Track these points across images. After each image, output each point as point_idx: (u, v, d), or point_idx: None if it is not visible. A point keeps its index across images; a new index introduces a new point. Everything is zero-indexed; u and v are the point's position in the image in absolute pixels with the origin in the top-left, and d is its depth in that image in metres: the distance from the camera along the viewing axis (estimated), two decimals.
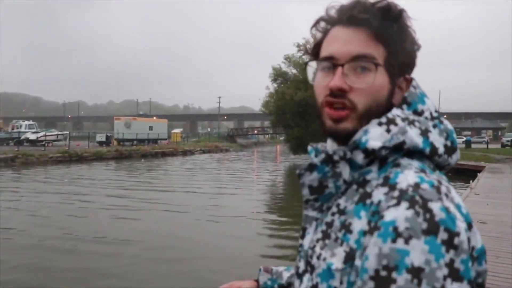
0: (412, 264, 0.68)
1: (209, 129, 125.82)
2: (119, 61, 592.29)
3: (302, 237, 0.94)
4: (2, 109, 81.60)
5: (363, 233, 0.77)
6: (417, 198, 0.72)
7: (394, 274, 0.69)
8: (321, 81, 0.91)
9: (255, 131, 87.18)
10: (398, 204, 0.73)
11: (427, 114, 0.88)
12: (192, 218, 12.98)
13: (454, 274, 0.68)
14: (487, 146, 48.21)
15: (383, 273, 0.70)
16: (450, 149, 0.88)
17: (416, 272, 0.68)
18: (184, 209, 14.45)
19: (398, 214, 0.71)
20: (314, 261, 0.86)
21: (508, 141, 50.78)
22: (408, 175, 0.78)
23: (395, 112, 0.86)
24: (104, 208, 14.21)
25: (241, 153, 56.77)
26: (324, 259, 0.83)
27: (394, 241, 0.70)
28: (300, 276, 0.91)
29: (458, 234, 0.70)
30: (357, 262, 0.76)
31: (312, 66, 0.95)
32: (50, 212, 13.51)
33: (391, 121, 0.84)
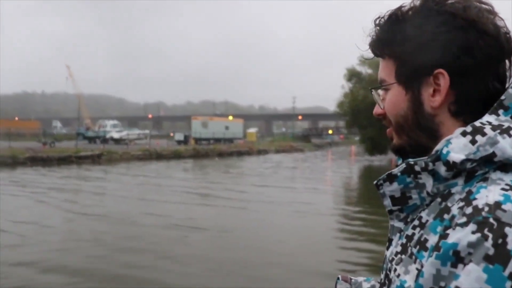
0: None
1: (284, 129, 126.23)
2: (197, 63, 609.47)
3: (387, 248, 0.90)
4: (89, 110, 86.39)
5: (432, 250, 0.71)
6: (491, 220, 0.64)
7: None
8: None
9: (330, 131, 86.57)
10: (466, 224, 0.66)
11: None
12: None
13: None
14: None
15: None
16: None
17: None
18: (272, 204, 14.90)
19: (462, 237, 0.65)
20: (391, 275, 0.82)
21: None
22: (491, 191, 0.69)
23: (486, 119, 0.77)
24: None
25: (315, 152, 56.59)
26: (398, 276, 0.79)
27: (453, 265, 0.65)
28: (379, 287, 0.90)
29: None
30: None
31: None
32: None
33: (478, 130, 0.75)
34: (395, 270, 0.81)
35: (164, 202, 15.39)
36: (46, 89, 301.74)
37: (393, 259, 0.84)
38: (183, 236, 10.55)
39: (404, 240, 0.83)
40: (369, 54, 0.93)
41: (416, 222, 0.81)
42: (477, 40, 0.79)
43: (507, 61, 0.83)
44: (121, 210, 13.79)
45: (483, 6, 0.81)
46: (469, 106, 0.81)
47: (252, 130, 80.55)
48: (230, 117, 77.68)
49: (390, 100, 0.88)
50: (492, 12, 0.81)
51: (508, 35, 0.81)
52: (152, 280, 7.47)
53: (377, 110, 0.93)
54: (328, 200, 17.41)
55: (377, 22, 0.89)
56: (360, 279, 1.24)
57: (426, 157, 0.79)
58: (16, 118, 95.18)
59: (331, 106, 65.77)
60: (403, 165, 0.82)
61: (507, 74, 0.83)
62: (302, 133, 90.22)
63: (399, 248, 0.83)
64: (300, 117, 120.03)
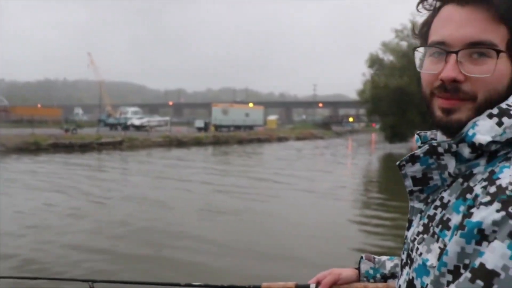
0: (484, 266, 0.64)
1: (304, 116, 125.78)
2: (217, 51, 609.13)
3: (408, 228, 0.91)
4: (110, 97, 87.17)
5: (456, 229, 0.72)
6: None
7: (462, 270, 0.68)
8: (430, 68, 0.84)
9: (350, 119, 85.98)
10: (490, 203, 0.67)
11: None
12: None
13: None
14: None
15: (459, 270, 0.68)
16: None
17: (487, 275, 0.64)
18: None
19: (486, 215, 0.66)
20: (413, 254, 0.83)
21: None
22: None
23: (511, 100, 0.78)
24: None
25: (336, 140, 56.31)
26: (420, 254, 0.80)
27: (478, 243, 0.66)
28: (402, 268, 0.91)
29: None
30: None
31: (420, 51, 0.88)
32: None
33: (505, 112, 0.76)
34: (417, 249, 0.82)
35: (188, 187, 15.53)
36: (68, 77, 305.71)
37: (414, 239, 0.85)
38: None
39: (425, 220, 0.84)
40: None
41: (437, 203, 0.83)
42: None
43: None
44: (154, 194, 13.99)
45: None
46: None
47: (272, 117, 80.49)
48: (251, 104, 77.64)
49: (497, 69, 0.78)
50: None
51: None
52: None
53: (453, 73, 0.79)
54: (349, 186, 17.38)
55: None
56: (383, 258, 1.27)
57: (450, 139, 0.80)
58: (39, 105, 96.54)
59: (351, 93, 65.37)
60: (426, 147, 0.83)
61: None
62: (322, 120, 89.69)
63: (420, 228, 0.84)
64: (320, 105, 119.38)
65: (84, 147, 31.61)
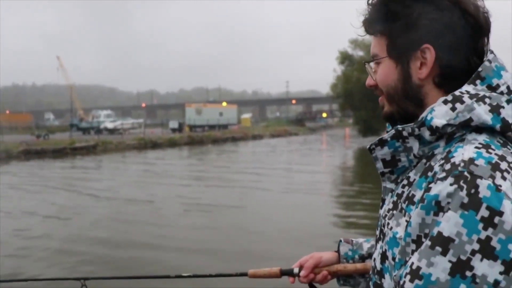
0: (441, 233, 0.73)
1: (278, 114, 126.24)
2: (189, 50, 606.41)
3: (381, 207, 1.00)
4: (81, 101, 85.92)
5: (418, 202, 0.81)
6: (466, 174, 0.75)
7: (423, 239, 0.76)
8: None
9: (324, 115, 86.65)
10: (445, 178, 0.76)
11: (503, 88, 0.88)
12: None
13: (487, 251, 0.70)
14: None
15: (420, 239, 0.77)
16: None
17: (443, 241, 0.72)
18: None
19: (442, 189, 0.75)
20: (385, 229, 0.92)
21: None
22: (466, 150, 0.80)
23: (465, 88, 0.87)
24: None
25: (310, 136, 56.71)
26: (391, 228, 0.89)
27: (435, 214, 0.75)
28: (376, 243, 1.00)
29: (500, 214, 0.71)
30: None
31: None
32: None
33: (457, 99, 0.85)
34: (388, 224, 0.91)
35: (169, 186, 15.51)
36: (36, 81, 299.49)
37: (386, 215, 0.94)
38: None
39: (395, 198, 0.93)
40: (363, 33, 1.02)
41: (405, 182, 0.92)
42: (459, 19, 0.89)
43: (485, 38, 0.92)
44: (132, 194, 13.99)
45: None
46: (451, 78, 0.91)
47: (246, 115, 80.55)
48: (224, 103, 77.57)
49: (382, 73, 0.97)
50: None
51: (486, 15, 0.91)
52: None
53: (369, 81, 1.02)
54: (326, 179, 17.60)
55: (370, 2, 0.97)
56: (361, 240, 1.37)
57: (413, 123, 0.89)
58: (7, 112, 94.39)
59: (325, 89, 65.85)
60: (393, 131, 0.92)
61: (485, 49, 0.92)
62: (296, 117, 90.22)
63: (391, 206, 0.94)
64: (294, 101, 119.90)
65: (57, 153, 31.12)
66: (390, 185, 0.98)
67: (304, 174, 19.72)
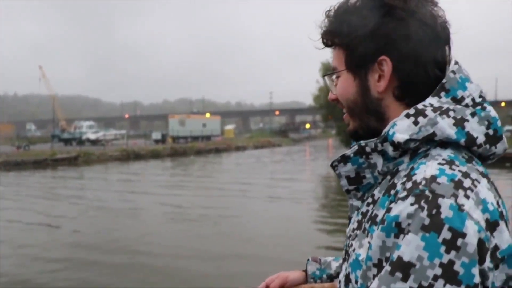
0: (401, 258, 0.68)
1: (261, 125, 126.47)
2: (173, 62, 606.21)
3: (348, 225, 0.95)
4: (64, 111, 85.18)
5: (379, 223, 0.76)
6: (427, 193, 0.70)
7: (384, 263, 0.72)
8: None
9: (307, 125, 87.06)
10: (406, 197, 0.71)
11: (468, 100, 0.84)
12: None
13: (449, 276, 0.66)
14: None
15: (381, 263, 0.73)
16: (493, 138, 0.82)
17: (404, 266, 0.68)
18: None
19: (402, 209, 0.70)
20: (350, 250, 0.87)
21: None
22: (429, 166, 0.76)
23: (428, 101, 0.83)
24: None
25: (293, 147, 56.92)
26: (354, 250, 0.84)
27: (396, 236, 0.70)
28: (342, 264, 0.94)
29: (463, 235, 0.67)
30: None
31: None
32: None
33: (420, 112, 0.81)
34: (351, 245, 0.87)
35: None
36: (18, 91, 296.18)
37: (350, 235, 0.90)
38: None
39: (359, 217, 0.89)
40: (322, 45, 0.98)
41: (369, 200, 0.87)
42: (416, 29, 0.84)
43: (446, 48, 0.88)
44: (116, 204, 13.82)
45: None
46: (411, 90, 0.86)
47: (230, 126, 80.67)
48: (207, 115, 77.56)
49: (341, 86, 0.94)
50: (432, 2, 0.88)
51: (444, 24, 0.88)
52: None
53: (330, 95, 0.99)
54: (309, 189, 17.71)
55: (327, 13, 0.94)
56: (329, 258, 1.34)
57: (376, 138, 0.85)
58: None
59: (307, 100, 66.25)
60: (355, 147, 0.88)
61: (447, 60, 0.88)
62: (279, 128, 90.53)
63: (355, 225, 0.89)
64: (277, 112, 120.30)
65: (38, 164, 30.80)
66: (357, 203, 0.93)
67: (288, 183, 19.87)
